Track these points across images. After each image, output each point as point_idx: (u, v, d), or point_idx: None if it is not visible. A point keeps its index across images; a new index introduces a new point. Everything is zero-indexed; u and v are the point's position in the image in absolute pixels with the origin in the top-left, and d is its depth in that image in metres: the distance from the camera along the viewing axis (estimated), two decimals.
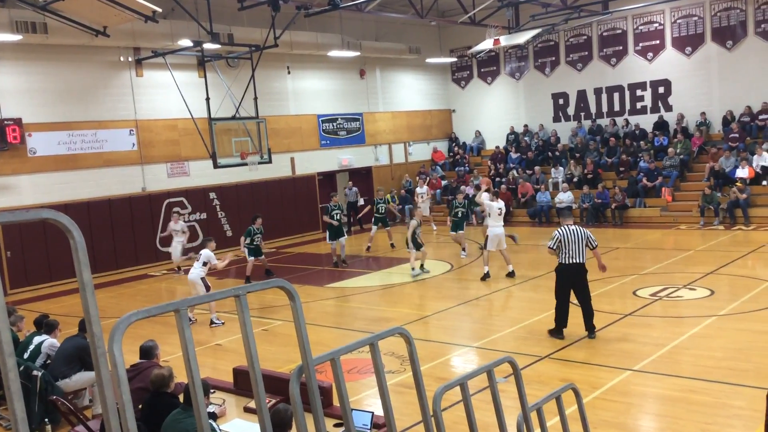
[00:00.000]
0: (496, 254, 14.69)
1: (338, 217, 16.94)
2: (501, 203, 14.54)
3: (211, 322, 12.08)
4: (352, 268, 16.71)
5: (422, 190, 21.78)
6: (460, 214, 16.76)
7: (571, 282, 9.78)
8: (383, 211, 19.36)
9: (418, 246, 15.07)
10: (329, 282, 15.63)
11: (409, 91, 27.20)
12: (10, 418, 1.69)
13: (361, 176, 25.66)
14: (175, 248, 17.39)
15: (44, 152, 17.44)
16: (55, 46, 17.08)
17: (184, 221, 18.64)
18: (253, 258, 15.69)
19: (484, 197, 14.68)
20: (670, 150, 21.85)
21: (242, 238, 15.88)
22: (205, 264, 12.07)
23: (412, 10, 20.44)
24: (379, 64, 25.69)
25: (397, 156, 26.83)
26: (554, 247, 9.76)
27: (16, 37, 15.57)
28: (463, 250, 17.30)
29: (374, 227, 19.17)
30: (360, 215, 22.95)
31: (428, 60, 26.35)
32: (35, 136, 17.26)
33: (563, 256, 9.71)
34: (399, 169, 26.70)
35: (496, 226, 14.27)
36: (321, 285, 15.36)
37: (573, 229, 9.79)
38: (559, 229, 9.86)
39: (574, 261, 9.71)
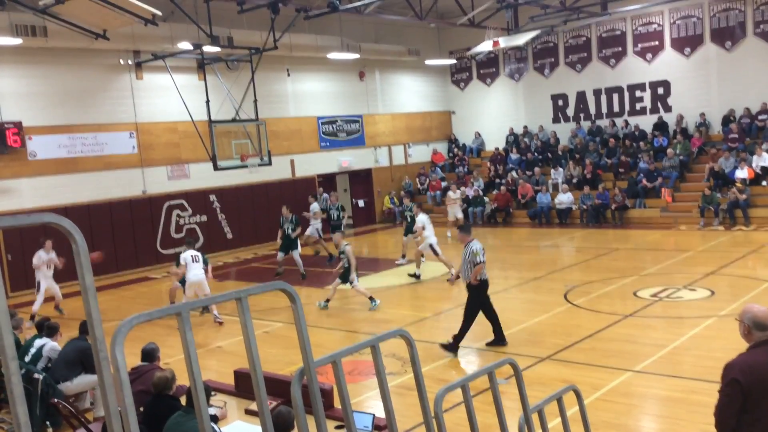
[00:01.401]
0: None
1: (289, 230, 16.47)
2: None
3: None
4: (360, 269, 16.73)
5: (456, 195, 21.17)
6: (409, 219, 17.07)
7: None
8: (337, 218, 18.94)
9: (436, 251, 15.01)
10: (330, 284, 15.60)
11: (409, 93, 27.21)
12: (12, 421, 1.69)
13: (361, 178, 25.68)
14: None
15: (44, 155, 17.45)
16: (55, 49, 17.09)
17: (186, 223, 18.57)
18: (283, 254, 16.22)
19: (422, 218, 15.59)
20: (669, 151, 21.86)
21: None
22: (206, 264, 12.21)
23: (412, 12, 20.45)
24: (378, 66, 25.71)
25: (397, 158, 26.84)
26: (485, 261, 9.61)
27: (16, 41, 15.58)
28: (403, 256, 17.34)
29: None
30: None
31: (427, 62, 26.36)
32: (35, 140, 17.27)
33: (484, 271, 9.63)
34: (399, 171, 26.71)
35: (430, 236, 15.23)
36: (321, 287, 15.35)
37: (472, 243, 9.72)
38: (476, 244, 9.67)
39: (487, 276, 9.76)
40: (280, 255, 16.63)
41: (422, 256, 15.57)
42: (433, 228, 15.59)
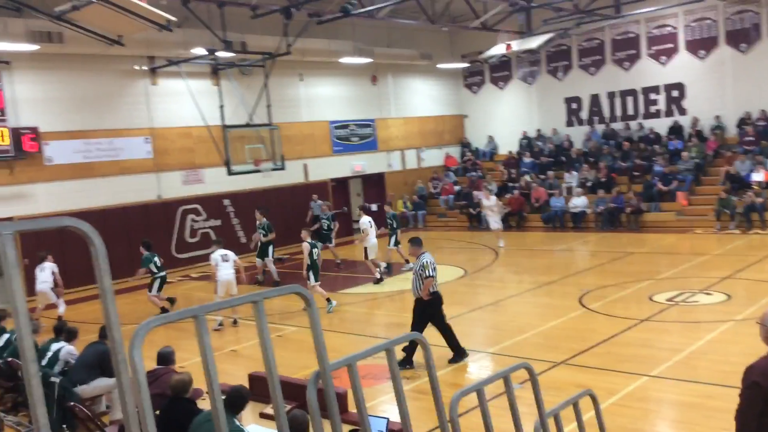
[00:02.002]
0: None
1: (261, 236, 16.44)
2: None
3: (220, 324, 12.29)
4: (363, 274, 16.69)
5: (490, 202, 19.91)
6: (394, 226, 17.13)
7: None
8: (327, 228, 18.81)
9: None
10: (343, 288, 15.64)
11: (421, 97, 27.22)
12: (32, 424, 1.71)
13: (374, 182, 25.70)
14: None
15: (60, 160, 17.60)
16: (71, 55, 17.25)
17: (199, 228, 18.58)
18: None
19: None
20: (684, 154, 21.72)
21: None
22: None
23: (424, 16, 20.46)
24: (391, 70, 25.74)
25: (410, 162, 26.85)
26: (435, 274, 9.38)
27: (32, 47, 15.74)
28: (407, 261, 16.62)
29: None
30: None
31: (440, 65, 26.36)
32: (52, 145, 17.42)
33: (435, 284, 9.46)
34: (412, 175, 26.70)
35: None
36: (335, 291, 15.36)
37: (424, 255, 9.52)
38: (428, 257, 9.47)
39: (438, 289, 9.54)
40: (258, 261, 16.51)
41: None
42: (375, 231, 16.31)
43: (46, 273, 13.58)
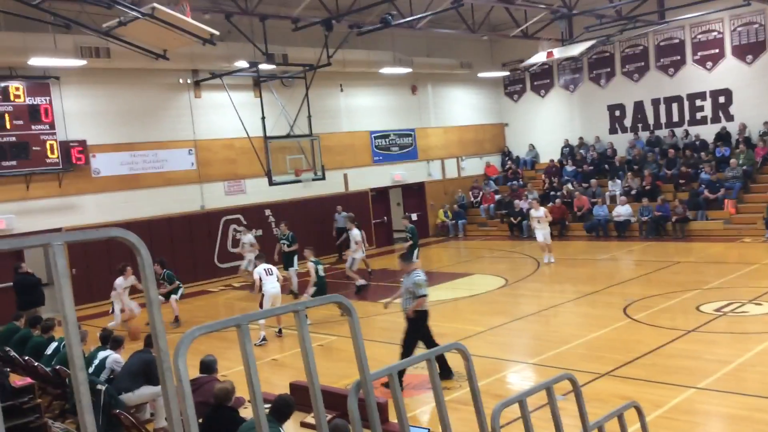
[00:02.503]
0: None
1: (285, 246, 16.47)
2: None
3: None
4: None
5: (538, 212, 18.17)
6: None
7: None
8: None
9: None
10: (383, 297, 15.62)
11: (461, 106, 27.15)
12: (79, 431, 1.75)
13: (414, 191, 25.69)
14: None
15: (107, 172, 18.03)
16: (118, 69, 17.69)
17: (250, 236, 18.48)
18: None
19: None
20: (732, 161, 21.22)
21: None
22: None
23: (464, 25, 20.45)
24: (430, 79, 25.75)
25: (450, 171, 26.78)
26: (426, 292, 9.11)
27: (81, 62, 16.19)
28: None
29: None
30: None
31: (480, 74, 26.28)
32: (99, 157, 17.86)
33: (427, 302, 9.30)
34: (452, 184, 26.63)
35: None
36: (375, 300, 15.38)
37: (412, 275, 9.24)
38: (420, 275, 9.22)
39: (427, 308, 9.34)
40: (287, 272, 16.25)
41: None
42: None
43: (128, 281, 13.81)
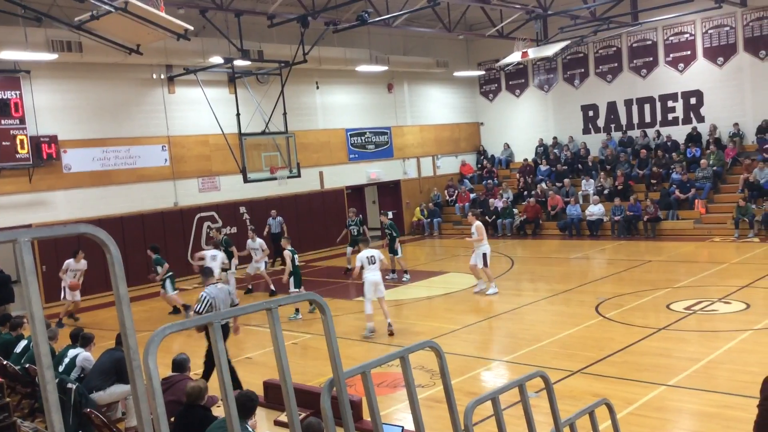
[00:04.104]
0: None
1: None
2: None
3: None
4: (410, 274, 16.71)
5: (473, 229, 16.28)
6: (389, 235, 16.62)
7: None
8: (357, 233, 18.07)
9: None
10: (358, 295, 15.62)
11: (437, 105, 27.23)
12: (47, 430, 1.72)
13: (390, 190, 25.71)
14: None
15: (79, 168, 17.78)
16: (90, 64, 17.45)
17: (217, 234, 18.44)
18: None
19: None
20: (702, 161, 21.54)
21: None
22: None
23: (440, 24, 20.51)
24: (406, 78, 25.78)
25: (426, 169, 26.84)
26: (204, 311, 8.65)
27: (52, 56, 15.94)
28: (405, 272, 16.73)
29: (349, 248, 18.18)
30: (339, 238, 20.00)
31: (456, 73, 26.37)
32: (70, 153, 17.61)
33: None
34: (427, 183, 26.70)
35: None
36: (350, 298, 15.38)
37: (220, 288, 9.04)
38: (207, 290, 8.92)
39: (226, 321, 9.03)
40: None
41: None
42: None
43: None
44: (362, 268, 11.76)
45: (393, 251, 16.64)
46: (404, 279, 16.64)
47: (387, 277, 16.18)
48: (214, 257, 13.96)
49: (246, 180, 18.18)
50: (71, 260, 14.42)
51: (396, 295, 15.27)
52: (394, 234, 16.67)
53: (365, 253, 11.89)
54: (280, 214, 20.70)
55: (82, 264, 14.51)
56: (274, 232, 19.65)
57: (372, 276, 11.73)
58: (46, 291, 16.49)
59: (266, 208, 21.20)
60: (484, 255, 14.22)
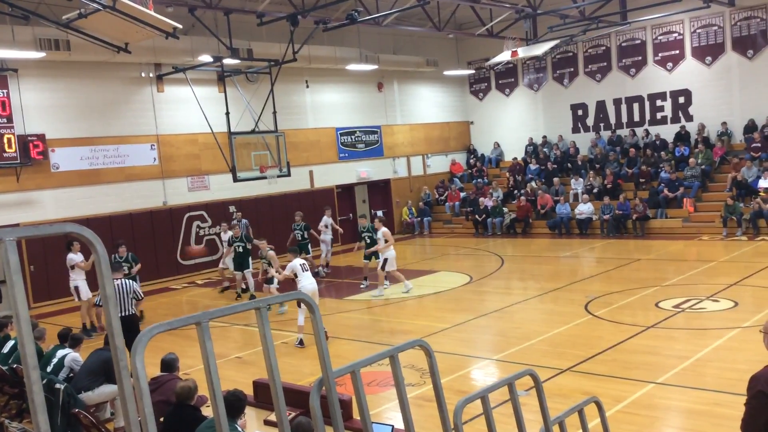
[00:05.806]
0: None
1: (240, 248, 15.57)
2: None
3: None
4: (370, 281, 16.67)
5: (377, 235, 15.44)
6: (368, 240, 15.79)
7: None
8: (302, 238, 17.49)
9: None
10: (348, 294, 15.63)
11: (427, 104, 27.24)
12: (33, 430, 1.71)
13: (380, 188, 25.71)
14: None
15: (67, 167, 17.67)
16: (78, 62, 17.34)
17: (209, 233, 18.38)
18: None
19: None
20: (691, 160, 21.66)
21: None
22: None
23: (430, 23, 20.53)
24: (396, 77, 25.78)
25: (416, 168, 26.85)
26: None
27: (39, 55, 15.83)
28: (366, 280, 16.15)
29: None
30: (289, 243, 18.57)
31: (446, 72, 26.40)
32: (58, 152, 17.50)
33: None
34: (417, 182, 26.71)
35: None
36: (340, 297, 15.37)
37: (120, 284, 9.70)
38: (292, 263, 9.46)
39: (125, 313, 9.85)
40: (238, 274, 15.78)
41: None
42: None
43: None
44: (296, 276, 11.22)
45: (367, 257, 15.77)
46: (362, 286, 15.97)
47: (361, 285, 15.99)
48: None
49: (236, 179, 18.12)
50: (71, 254, 13.92)
51: (385, 293, 15.27)
52: (370, 239, 15.66)
53: (298, 261, 11.48)
54: (270, 214, 20.66)
55: (80, 256, 14.13)
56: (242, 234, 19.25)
57: (310, 285, 11.23)
58: (34, 291, 16.40)
59: (256, 207, 21.16)
60: (386, 259, 14.76)
